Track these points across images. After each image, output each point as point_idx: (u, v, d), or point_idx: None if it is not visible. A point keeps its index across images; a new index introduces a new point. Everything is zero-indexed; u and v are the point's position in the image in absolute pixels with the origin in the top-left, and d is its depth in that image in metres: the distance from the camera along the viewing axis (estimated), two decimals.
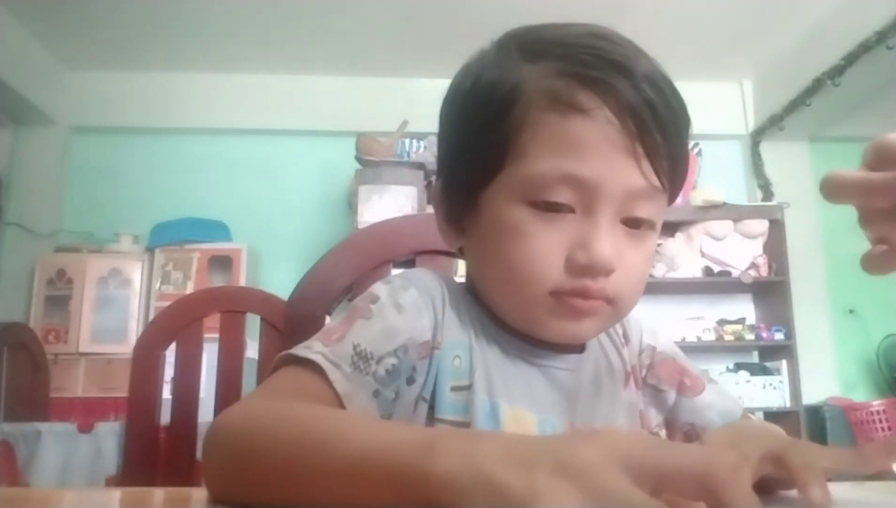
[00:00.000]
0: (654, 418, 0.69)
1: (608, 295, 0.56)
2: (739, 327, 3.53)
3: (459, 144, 0.62)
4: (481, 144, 0.57)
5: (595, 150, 0.53)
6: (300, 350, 0.55)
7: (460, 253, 0.67)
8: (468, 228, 0.62)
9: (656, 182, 0.55)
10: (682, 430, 0.68)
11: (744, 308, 3.70)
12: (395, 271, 0.97)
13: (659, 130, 0.55)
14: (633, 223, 0.57)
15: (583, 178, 0.53)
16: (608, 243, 0.54)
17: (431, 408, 0.58)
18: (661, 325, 0.78)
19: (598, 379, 0.65)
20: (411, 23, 3.31)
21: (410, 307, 0.59)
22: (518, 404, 0.60)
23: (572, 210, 0.55)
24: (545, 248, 0.55)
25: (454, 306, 0.62)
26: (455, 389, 0.59)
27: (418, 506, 0.35)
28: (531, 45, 0.59)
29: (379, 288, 0.61)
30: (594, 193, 0.54)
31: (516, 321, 0.61)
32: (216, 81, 3.79)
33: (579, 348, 0.65)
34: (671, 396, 0.69)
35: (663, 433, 0.69)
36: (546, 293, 0.55)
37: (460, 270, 1.01)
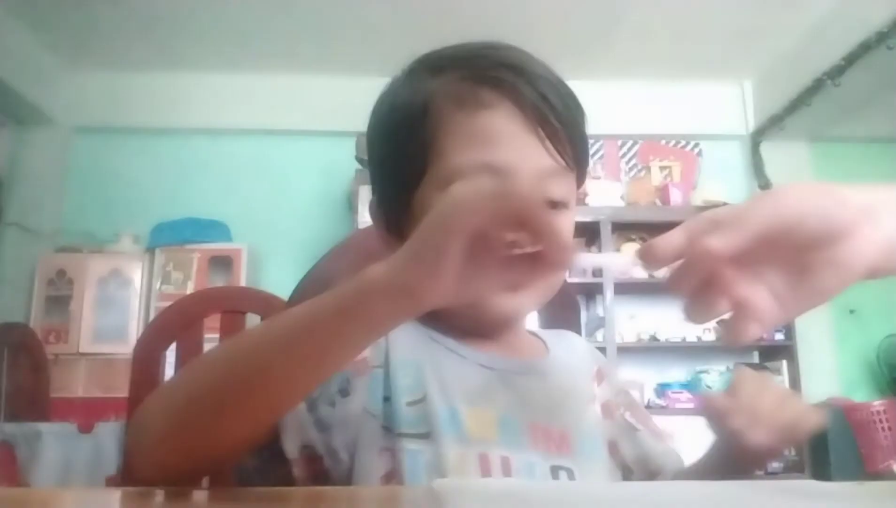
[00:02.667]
0: (628, 453, 0.74)
1: None
2: None
3: (387, 159, 0.69)
4: (405, 153, 0.64)
5: (504, 138, 0.61)
6: None
7: None
8: (407, 231, 0.67)
9: (562, 162, 0.63)
10: (649, 469, 0.73)
11: None
12: None
13: (555, 117, 0.62)
14: (550, 204, 0.64)
15: (497, 164, 0.61)
16: None
17: (385, 427, 0.62)
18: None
19: (558, 387, 0.70)
20: (411, 23, 3.31)
21: None
22: (477, 404, 0.63)
23: None
24: None
25: (398, 330, 0.66)
26: (410, 404, 0.62)
27: (369, 321, 0.45)
28: (434, 62, 0.67)
29: None
30: (510, 177, 0.61)
31: (461, 306, 0.64)
32: (216, 81, 3.79)
33: (536, 357, 0.71)
34: (644, 435, 0.74)
35: (636, 467, 0.74)
36: None
37: None
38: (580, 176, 0.68)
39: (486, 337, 0.69)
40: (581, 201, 3.54)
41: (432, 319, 0.69)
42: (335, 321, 0.46)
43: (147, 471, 0.51)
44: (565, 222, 0.66)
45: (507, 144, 0.61)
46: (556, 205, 0.65)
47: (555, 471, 0.64)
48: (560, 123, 0.63)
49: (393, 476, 0.61)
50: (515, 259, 0.45)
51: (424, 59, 0.69)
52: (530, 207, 0.42)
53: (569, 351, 0.76)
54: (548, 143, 0.62)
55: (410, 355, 0.66)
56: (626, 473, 0.73)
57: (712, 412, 0.62)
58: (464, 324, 0.68)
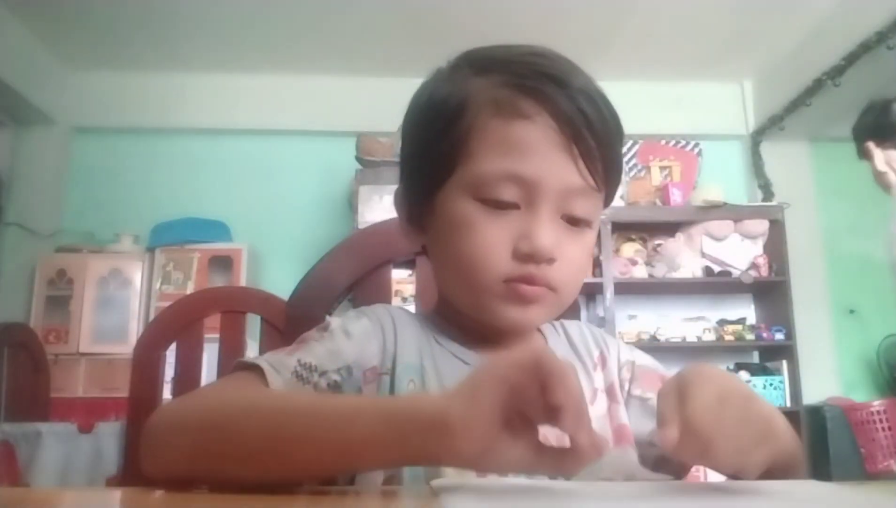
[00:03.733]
0: (644, 428, 0.71)
1: (551, 283, 0.62)
2: (740, 327, 3.53)
3: (418, 150, 0.69)
4: (436, 148, 0.64)
5: (535, 150, 0.60)
6: (249, 358, 0.61)
7: (424, 251, 0.73)
8: (427, 226, 0.68)
9: (591, 181, 0.62)
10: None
11: (744, 308, 3.70)
12: (395, 272, 0.97)
13: (592, 135, 0.61)
14: (572, 221, 0.63)
15: (525, 176, 0.60)
16: (548, 234, 0.60)
17: None
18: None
19: None
20: (411, 23, 3.32)
21: (360, 335, 0.66)
22: None
23: (517, 206, 0.61)
24: (494, 239, 0.61)
25: (406, 334, 0.68)
26: None
27: (415, 457, 0.46)
28: (479, 62, 0.66)
29: (332, 319, 0.67)
30: (535, 189, 0.60)
31: (471, 309, 0.66)
32: (216, 81, 3.79)
33: None
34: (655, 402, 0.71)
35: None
36: (500, 281, 0.62)
37: None
38: (609, 196, 0.67)
39: (491, 340, 0.69)
40: None
41: (441, 321, 0.71)
42: (370, 444, 0.46)
43: (161, 477, 0.52)
44: (587, 241, 0.66)
45: (538, 157, 0.60)
46: (577, 223, 0.63)
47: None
48: (596, 141, 0.61)
49: (394, 478, 0.62)
50: (544, 447, 0.45)
51: (470, 55, 0.67)
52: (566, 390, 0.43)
53: (570, 345, 0.75)
54: (580, 161, 0.61)
55: (415, 359, 0.67)
56: (646, 450, 0.70)
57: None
58: (469, 326, 0.68)
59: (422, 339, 0.69)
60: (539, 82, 0.61)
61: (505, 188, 0.61)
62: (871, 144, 2.09)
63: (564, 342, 0.75)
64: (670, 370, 0.72)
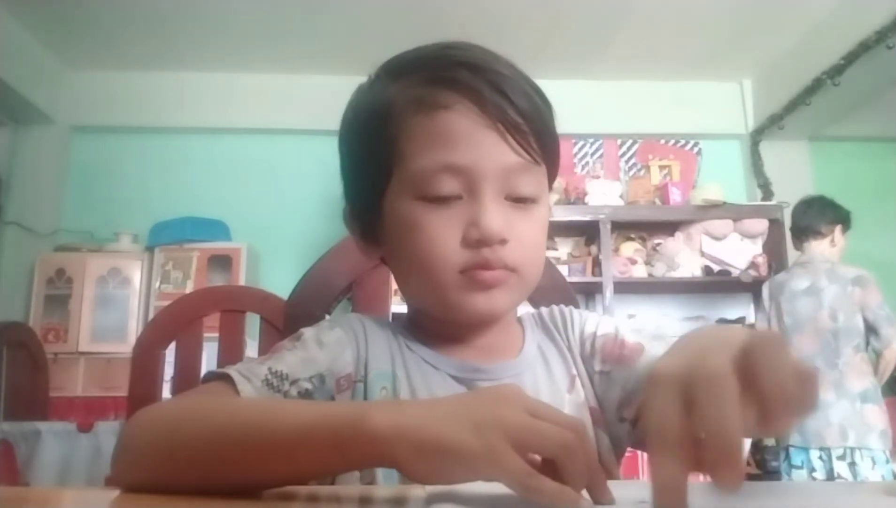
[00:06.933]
0: (613, 402, 0.68)
1: (508, 264, 0.62)
2: (739, 326, 3.53)
3: (354, 165, 0.71)
4: (370, 158, 0.66)
5: (464, 138, 0.61)
6: (221, 368, 0.60)
7: (385, 263, 0.74)
8: (381, 237, 0.69)
9: (528, 156, 0.62)
10: (637, 403, 0.66)
11: (743, 308, 3.70)
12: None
13: (516, 112, 0.61)
14: (518, 199, 0.63)
15: (459, 164, 0.61)
16: (494, 216, 0.60)
17: None
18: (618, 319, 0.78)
19: (535, 388, 0.68)
20: (410, 22, 3.31)
21: (333, 344, 0.66)
22: None
23: (459, 197, 0.62)
24: (442, 233, 0.61)
25: (377, 342, 0.69)
26: None
27: (359, 463, 0.45)
28: (395, 67, 0.68)
29: (305, 330, 0.68)
30: (473, 176, 0.61)
31: (437, 309, 0.66)
32: (216, 81, 3.79)
33: (510, 355, 0.70)
34: (618, 373, 0.69)
35: (626, 411, 0.67)
36: (456, 273, 0.62)
37: None
38: (552, 171, 0.67)
39: (463, 342, 0.69)
40: (581, 200, 3.54)
41: (411, 327, 0.71)
42: (321, 450, 0.45)
43: (132, 484, 0.52)
44: (538, 216, 0.65)
45: (468, 144, 0.61)
46: (524, 200, 0.63)
47: None
48: (522, 117, 0.61)
49: (371, 475, 0.62)
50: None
51: (386, 64, 0.69)
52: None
53: (548, 334, 0.74)
54: (510, 138, 0.61)
55: (387, 366, 0.68)
56: (618, 427, 0.68)
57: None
58: (439, 330, 0.68)
59: (393, 346, 0.69)
60: (453, 71, 0.62)
61: (443, 181, 0.61)
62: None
63: (541, 332, 0.75)
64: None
